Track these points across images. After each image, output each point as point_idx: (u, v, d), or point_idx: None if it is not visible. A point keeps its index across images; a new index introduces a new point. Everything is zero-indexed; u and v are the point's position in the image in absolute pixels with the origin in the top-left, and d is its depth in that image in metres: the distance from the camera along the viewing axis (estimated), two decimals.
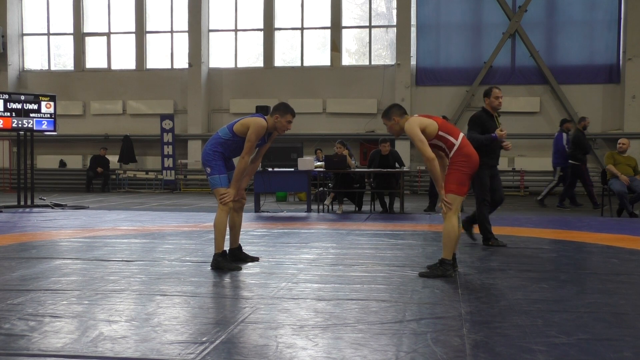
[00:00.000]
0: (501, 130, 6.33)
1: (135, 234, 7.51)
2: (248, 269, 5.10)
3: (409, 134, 4.68)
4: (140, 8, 19.76)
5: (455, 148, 4.67)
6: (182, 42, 19.68)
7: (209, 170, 5.11)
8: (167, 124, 18.73)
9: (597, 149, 17.35)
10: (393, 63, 18.55)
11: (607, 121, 17.77)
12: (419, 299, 3.98)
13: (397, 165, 11.22)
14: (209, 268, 5.08)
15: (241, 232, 5.54)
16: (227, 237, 5.33)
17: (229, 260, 5.16)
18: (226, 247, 5.30)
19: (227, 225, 5.20)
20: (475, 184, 6.31)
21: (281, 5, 19.28)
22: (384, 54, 19.38)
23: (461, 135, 4.76)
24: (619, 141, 10.34)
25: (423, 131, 4.65)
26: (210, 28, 19.55)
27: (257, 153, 5.39)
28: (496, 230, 7.92)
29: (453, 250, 4.77)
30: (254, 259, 5.46)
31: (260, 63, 19.49)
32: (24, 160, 12.20)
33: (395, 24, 18.51)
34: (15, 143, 12.76)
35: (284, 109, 5.12)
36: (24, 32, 20.47)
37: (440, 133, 4.70)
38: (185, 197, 15.95)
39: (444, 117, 10.80)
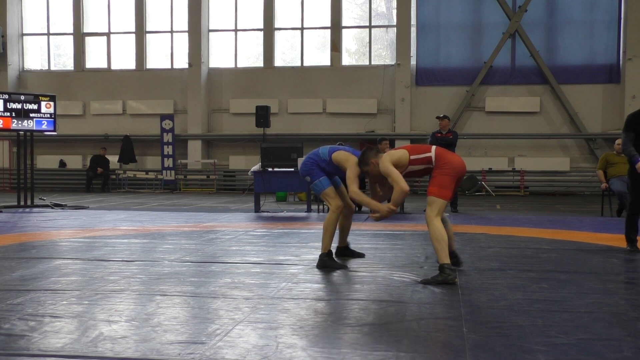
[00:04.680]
0: None
1: (135, 234, 7.50)
2: (248, 269, 5.10)
3: (383, 173, 4.82)
4: (140, 8, 19.76)
5: (433, 158, 4.78)
6: (182, 42, 19.68)
7: (308, 178, 5.44)
8: (167, 124, 18.73)
9: (597, 149, 17.35)
10: (393, 63, 18.55)
11: (607, 121, 17.77)
12: (419, 299, 3.97)
13: None
14: (315, 267, 5.11)
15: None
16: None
17: (334, 260, 5.26)
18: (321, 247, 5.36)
19: (337, 227, 5.36)
20: (631, 190, 6.10)
21: (281, 5, 19.28)
22: (384, 54, 19.38)
23: (433, 147, 4.89)
24: (617, 142, 10.32)
25: (396, 164, 4.80)
26: (210, 28, 19.54)
27: None
28: (495, 230, 7.95)
29: (447, 253, 4.67)
30: (360, 255, 5.70)
31: (260, 63, 19.49)
32: (24, 160, 12.20)
33: (395, 24, 18.50)
34: (15, 143, 12.76)
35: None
36: (24, 32, 20.47)
37: (412, 157, 4.83)
38: (185, 197, 15.95)
39: (446, 117, 10.86)
